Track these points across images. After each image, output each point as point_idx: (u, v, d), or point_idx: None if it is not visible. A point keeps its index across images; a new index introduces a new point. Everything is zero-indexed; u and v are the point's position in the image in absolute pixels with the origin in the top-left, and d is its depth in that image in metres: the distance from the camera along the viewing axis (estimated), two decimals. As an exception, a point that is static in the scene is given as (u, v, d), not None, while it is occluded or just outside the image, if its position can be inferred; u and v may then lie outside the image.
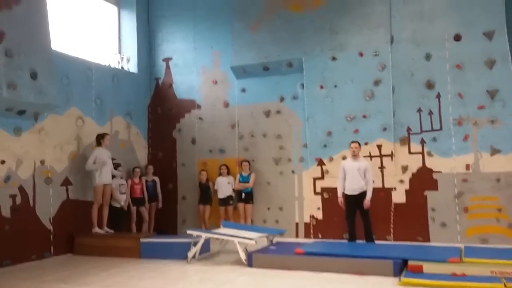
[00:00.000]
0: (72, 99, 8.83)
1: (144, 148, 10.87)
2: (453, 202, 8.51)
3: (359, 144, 8.05)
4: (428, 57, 8.80)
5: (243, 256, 7.05)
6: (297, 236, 9.53)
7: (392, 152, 8.94)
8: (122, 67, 10.48)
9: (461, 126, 8.53)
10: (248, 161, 9.87)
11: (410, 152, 8.87)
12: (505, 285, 5.14)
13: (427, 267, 5.85)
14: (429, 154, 8.73)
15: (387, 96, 9.00)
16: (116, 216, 9.17)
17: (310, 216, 9.51)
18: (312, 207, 9.49)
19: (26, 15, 7.39)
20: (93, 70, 9.42)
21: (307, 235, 9.46)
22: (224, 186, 9.79)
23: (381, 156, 9.02)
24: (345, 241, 8.27)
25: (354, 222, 7.88)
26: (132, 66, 10.72)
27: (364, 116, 9.13)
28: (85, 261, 7.71)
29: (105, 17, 10.56)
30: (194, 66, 10.70)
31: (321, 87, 9.46)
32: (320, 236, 9.33)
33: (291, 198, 9.70)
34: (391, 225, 8.85)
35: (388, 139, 8.96)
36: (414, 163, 8.82)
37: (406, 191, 8.84)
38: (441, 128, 8.67)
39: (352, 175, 7.84)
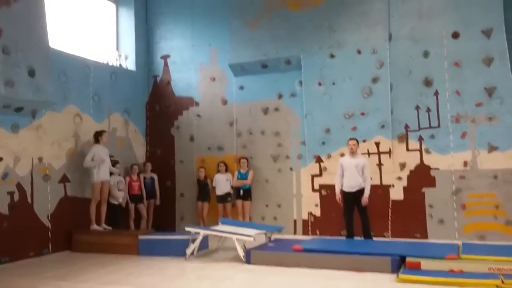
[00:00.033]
0: (70, 96, 8.82)
1: (142, 145, 10.86)
2: (451, 199, 8.53)
3: (357, 141, 8.06)
4: (426, 54, 8.81)
5: (241, 253, 7.07)
6: (295, 233, 9.54)
7: (390, 149, 8.95)
8: (120, 65, 10.47)
9: (459, 123, 8.55)
10: (246, 158, 9.88)
11: (408, 149, 8.88)
12: (502, 282, 5.16)
13: (425, 264, 5.88)
14: (427, 151, 8.74)
15: (385, 93, 9.01)
16: (114, 213, 9.17)
17: (308, 213, 9.52)
18: (310, 204, 9.51)
19: (24, 12, 7.36)
20: (91, 68, 9.41)
21: (305, 232, 9.47)
22: (222, 183, 9.80)
23: (379, 153, 9.03)
24: (343, 238, 8.30)
25: (352, 219, 7.90)
26: (130, 64, 10.70)
27: (362, 114, 9.14)
28: (83, 258, 7.71)
29: (103, 15, 10.53)
30: (192, 64, 10.69)
31: (319, 84, 9.47)
32: (318, 233, 9.35)
33: (289, 195, 9.72)
34: (389, 222, 8.87)
35: (386, 136, 8.98)
36: (412, 160, 8.84)
37: (404, 188, 8.85)
38: (439, 125, 8.68)
39: (350, 172, 7.84)
